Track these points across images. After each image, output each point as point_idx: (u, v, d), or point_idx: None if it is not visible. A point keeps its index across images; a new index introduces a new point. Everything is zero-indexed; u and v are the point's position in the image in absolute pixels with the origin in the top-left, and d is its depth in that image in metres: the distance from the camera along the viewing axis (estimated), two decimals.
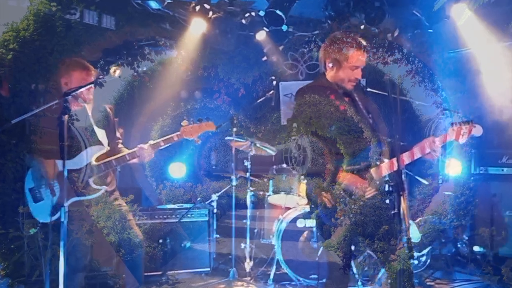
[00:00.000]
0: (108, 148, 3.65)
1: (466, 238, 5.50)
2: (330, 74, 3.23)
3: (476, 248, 5.37)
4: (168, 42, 5.20)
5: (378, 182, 3.03)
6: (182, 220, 5.13)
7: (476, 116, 4.85)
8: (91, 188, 3.49)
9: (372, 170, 3.08)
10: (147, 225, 4.87)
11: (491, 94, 4.91)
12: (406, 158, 3.04)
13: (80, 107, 3.60)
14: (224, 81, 5.96)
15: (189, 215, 5.18)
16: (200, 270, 5.17)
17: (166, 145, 3.68)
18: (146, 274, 4.73)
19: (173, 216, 5.11)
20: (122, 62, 5.08)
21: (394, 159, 2.93)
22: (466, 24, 4.96)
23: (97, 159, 3.56)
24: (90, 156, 3.53)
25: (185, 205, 5.31)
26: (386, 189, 2.90)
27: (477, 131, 3.01)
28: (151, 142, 3.65)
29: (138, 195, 5.56)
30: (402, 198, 2.80)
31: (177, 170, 6.21)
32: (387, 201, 2.94)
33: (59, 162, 3.44)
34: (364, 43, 3.16)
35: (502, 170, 5.28)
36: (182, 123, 3.73)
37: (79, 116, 3.62)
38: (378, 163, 3.08)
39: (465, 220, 5.57)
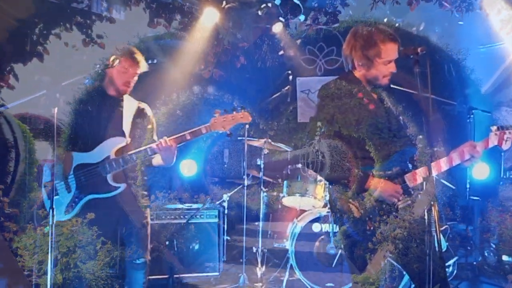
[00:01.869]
0: (129, 140, 3.28)
1: (494, 246, 5.15)
2: (360, 73, 2.88)
3: (504, 258, 5.03)
4: (180, 33, 4.95)
5: (413, 191, 2.72)
6: (190, 221, 4.87)
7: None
8: (109, 185, 3.18)
9: (406, 177, 2.75)
10: (153, 226, 4.62)
11: None
12: (443, 164, 2.71)
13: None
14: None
15: (198, 216, 4.92)
16: (208, 275, 4.90)
17: (192, 139, 3.21)
18: (151, 277, 4.52)
19: (181, 216, 4.85)
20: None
21: (427, 166, 2.68)
22: (499, 16, 4.62)
23: (117, 153, 3.23)
24: (110, 149, 3.21)
25: (194, 205, 5.04)
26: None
27: None
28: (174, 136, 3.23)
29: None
30: (433, 208, 2.51)
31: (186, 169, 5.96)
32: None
33: (76, 155, 3.23)
34: (394, 34, 2.79)
35: None
36: (214, 114, 3.27)
37: None
38: (411, 168, 2.79)
39: (492, 227, 5.25)
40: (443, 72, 4.98)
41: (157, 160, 3.35)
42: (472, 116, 4.69)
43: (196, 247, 4.87)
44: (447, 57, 4.93)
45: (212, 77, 5.55)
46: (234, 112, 3.27)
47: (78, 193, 3.19)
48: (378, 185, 2.68)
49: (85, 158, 3.21)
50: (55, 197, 3.05)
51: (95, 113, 3.32)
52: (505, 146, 2.71)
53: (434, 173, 2.69)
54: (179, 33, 4.97)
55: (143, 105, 3.49)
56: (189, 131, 3.19)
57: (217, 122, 3.21)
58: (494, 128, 2.74)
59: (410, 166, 2.81)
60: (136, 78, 3.38)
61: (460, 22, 4.65)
